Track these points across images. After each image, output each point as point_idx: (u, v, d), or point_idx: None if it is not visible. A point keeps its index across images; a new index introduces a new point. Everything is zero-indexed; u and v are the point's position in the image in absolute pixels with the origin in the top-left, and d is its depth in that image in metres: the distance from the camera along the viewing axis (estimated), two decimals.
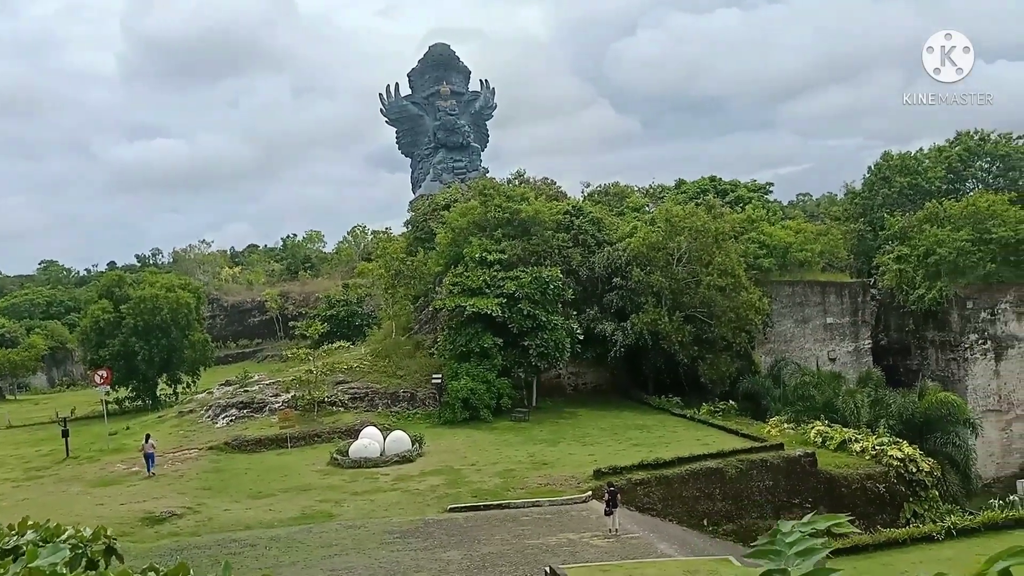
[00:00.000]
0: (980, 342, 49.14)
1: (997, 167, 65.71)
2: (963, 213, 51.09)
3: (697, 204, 53.40)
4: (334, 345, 54.51)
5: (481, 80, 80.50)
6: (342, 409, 42.50)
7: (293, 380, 43.27)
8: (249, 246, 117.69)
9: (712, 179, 72.72)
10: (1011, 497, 37.43)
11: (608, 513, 24.45)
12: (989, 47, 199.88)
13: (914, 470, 32.43)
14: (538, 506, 27.65)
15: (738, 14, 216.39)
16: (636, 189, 73.24)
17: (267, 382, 46.37)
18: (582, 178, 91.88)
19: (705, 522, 29.94)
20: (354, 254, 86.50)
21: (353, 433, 37.64)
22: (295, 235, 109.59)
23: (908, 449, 33.23)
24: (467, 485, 30.16)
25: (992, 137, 65.80)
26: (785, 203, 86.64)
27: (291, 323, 63.67)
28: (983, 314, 49.32)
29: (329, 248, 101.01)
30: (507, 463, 32.91)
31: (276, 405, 42.58)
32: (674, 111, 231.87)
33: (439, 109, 75.83)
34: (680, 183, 74.88)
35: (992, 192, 56.94)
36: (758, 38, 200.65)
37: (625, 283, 45.57)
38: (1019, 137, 66.30)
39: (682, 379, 45.21)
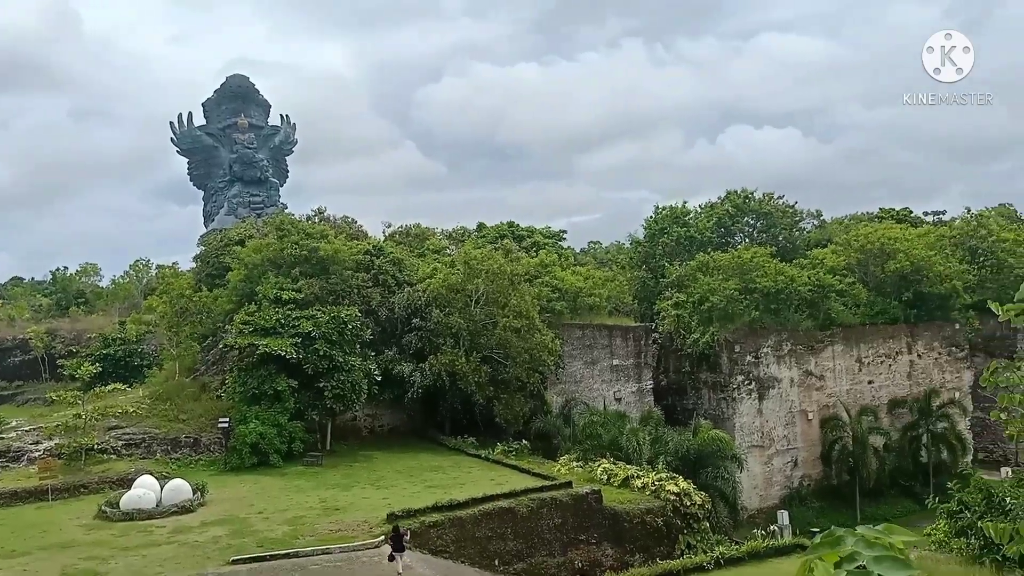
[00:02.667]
0: (746, 383, 53.76)
1: (761, 223, 72.84)
2: (731, 264, 56.04)
3: (495, 248, 54.87)
4: (108, 387, 50.18)
5: (282, 115, 78.76)
6: (115, 457, 39.14)
7: (58, 426, 39.36)
8: (13, 279, 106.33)
9: (510, 224, 75.22)
10: (772, 527, 40.91)
11: (392, 558, 24.18)
12: (756, 113, 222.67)
13: (688, 503, 34.68)
14: (328, 553, 26.78)
15: (537, 68, 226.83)
16: (439, 231, 74.18)
17: (27, 428, 41.88)
18: (387, 218, 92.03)
19: (497, 562, 30.31)
20: (135, 290, 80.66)
21: (126, 482, 34.70)
22: (66, 268, 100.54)
23: (683, 484, 35.51)
24: (253, 535, 28.67)
25: (756, 196, 73.01)
26: (578, 250, 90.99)
27: (59, 363, 58.06)
28: (748, 357, 54.07)
29: (106, 283, 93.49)
30: (297, 510, 31.69)
31: (36, 453, 38.48)
32: (478, 156, 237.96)
33: (236, 142, 73.17)
34: (480, 227, 76.78)
35: (756, 246, 63.01)
36: (556, 92, 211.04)
37: (424, 324, 45.77)
38: (779, 197, 74.07)
39: (478, 419, 45.81)
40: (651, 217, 72.14)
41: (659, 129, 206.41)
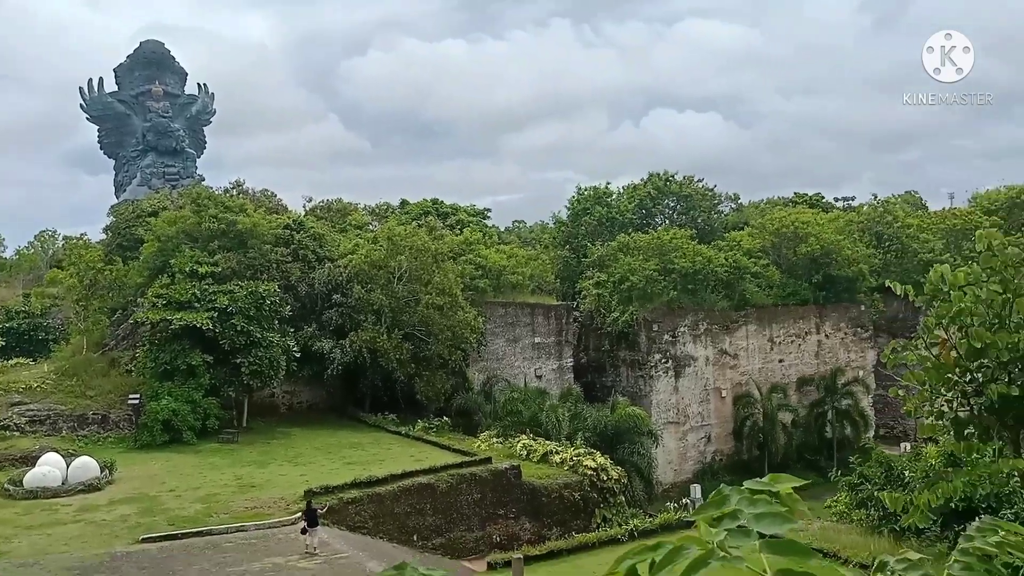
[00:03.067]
0: (663, 361, 55.03)
1: (681, 206, 74.26)
2: (651, 245, 57.10)
3: (419, 225, 54.57)
4: (11, 362, 48.27)
5: (199, 83, 76.03)
6: (17, 433, 37.64)
7: None
8: None
9: (434, 201, 74.77)
10: (684, 500, 42.28)
11: (304, 531, 24.11)
12: (679, 98, 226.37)
13: (605, 478, 35.47)
14: (243, 531, 26.46)
15: (464, 46, 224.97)
16: (362, 207, 73.19)
17: None
18: (309, 192, 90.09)
19: (415, 537, 30.47)
20: (40, 261, 77.32)
21: (30, 460, 33.46)
22: None
23: (600, 459, 36.29)
24: (164, 513, 28.07)
25: (677, 179, 74.35)
26: (502, 229, 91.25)
27: None
28: (666, 336, 55.34)
29: (10, 253, 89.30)
30: (211, 487, 31.14)
31: None
32: (403, 133, 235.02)
33: (150, 110, 70.40)
34: (404, 203, 76.11)
35: (676, 227, 64.30)
36: (484, 70, 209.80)
37: (345, 300, 45.28)
38: (699, 181, 75.62)
39: (399, 396, 45.72)
40: (574, 197, 72.80)
41: (585, 110, 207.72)
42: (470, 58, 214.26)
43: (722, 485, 2.19)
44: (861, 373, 62.38)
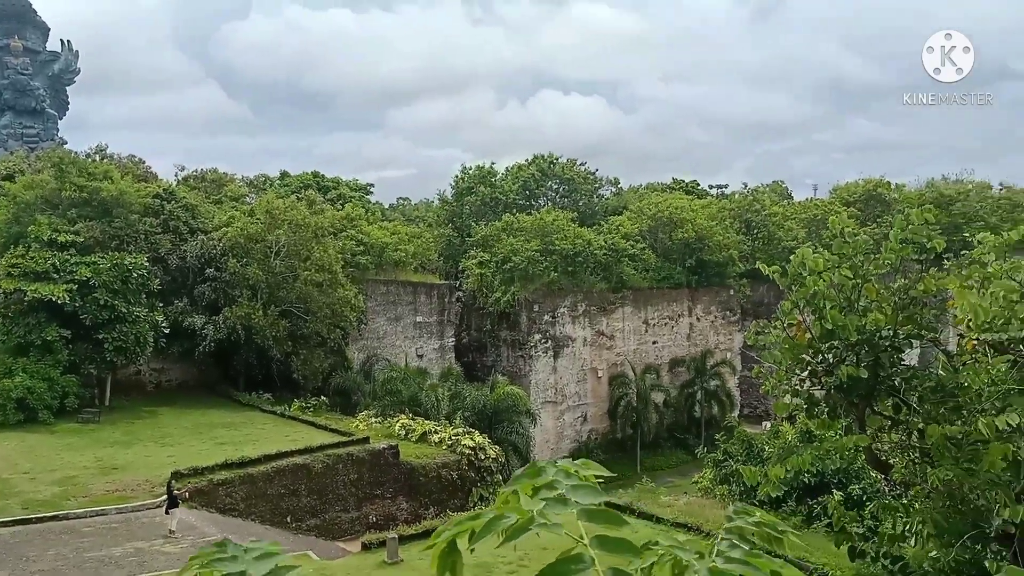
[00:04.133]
0: (543, 341, 55.96)
1: (563, 188, 75.46)
2: (534, 226, 57.78)
3: (299, 198, 53.13)
4: None
5: (63, 40, 71.27)
6: None
7: None
8: None
9: (315, 175, 72.96)
10: None
11: (167, 512, 23.37)
12: (565, 80, 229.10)
13: (483, 457, 35.80)
14: (103, 515, 25.23)
15: (351, 15, 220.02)
16: (239, 178, 70.52)
17: None
18: (184, 160, 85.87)
19: (289, 519, 29.89)
20: None
21: None
22: None
23: (479, 438, 36.59)
24: (16, 496, 26.41)
25: (561, 161, 75.43)
26: (387, 205, 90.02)
27: None
28: (546, 317, 56.26)
29: None
30: (69, 469, 29.51)
31: None
32: (285, 102, 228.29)
33: (8, 66, 65.71)
34: (284, 175, 73.88)
35: (558, 209, 65.28)
36: (371, 41, 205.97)
37: (219, 275, 43.65)
38: (582, 164, 76.96)
39: (275, 375, 44.57)
40: (459, 176, 72.69)
41: (473, 88, 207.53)
42: (357, 28, 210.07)
43: (535, 460, 2.25)
44: (729, 355, 65.39)
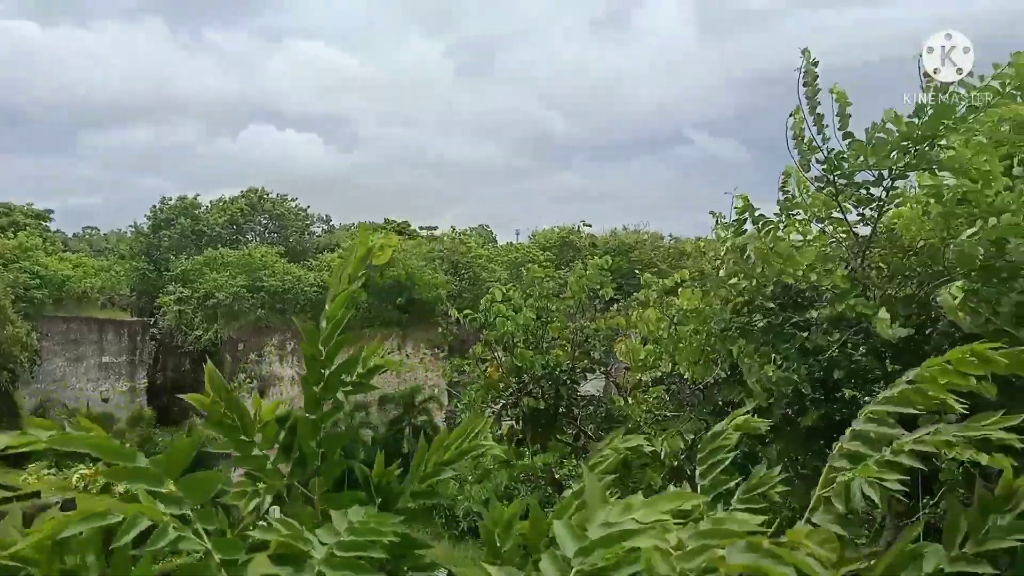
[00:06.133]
0: (248, 381, 53.65)
1: (273, 224, 73.47)
2: (240, 262, 55.56)
3: None
4: None
5: None
6: None
7: None
8: None
9: None
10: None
11: None
12: (280, 114, 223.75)
13: None
14: None
15: (37, 28, 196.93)
16: None
17: None
18: None
19: None
20: None
21: None
22: None
23: None
24: None
25: (271, 196, 73.46)
26: (70, 235, 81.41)
27: None
28: (252, 355, 54.10)
29: None
30: None
31: None
32: None
33: None
34: None
35: (268, 245, 63.40)
36: (61, 60, 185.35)
37: None
38: (293, 199, 75.53)
39: None
40: (156, 207, 68.01)
41: (180, 115, 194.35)
42: (47, 42, 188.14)
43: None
44: (436, 390, 67.25)
